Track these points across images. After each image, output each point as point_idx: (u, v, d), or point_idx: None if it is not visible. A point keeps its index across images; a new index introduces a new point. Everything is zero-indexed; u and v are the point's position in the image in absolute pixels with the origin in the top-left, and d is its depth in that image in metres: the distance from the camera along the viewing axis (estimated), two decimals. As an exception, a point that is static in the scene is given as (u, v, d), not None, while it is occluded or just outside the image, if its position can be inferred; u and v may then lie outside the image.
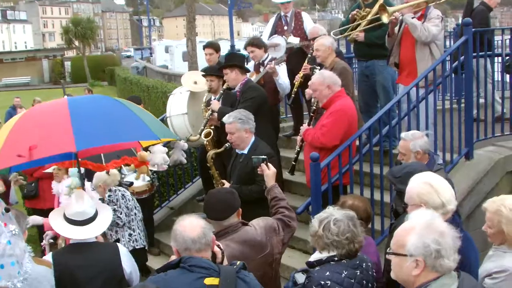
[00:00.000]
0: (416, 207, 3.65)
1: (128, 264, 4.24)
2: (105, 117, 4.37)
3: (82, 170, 5.48)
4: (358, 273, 3.78)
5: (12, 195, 8.90)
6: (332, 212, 3.90)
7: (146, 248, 7.21)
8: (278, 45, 8.58)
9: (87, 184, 6.33)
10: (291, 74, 8.03)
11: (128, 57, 68.00)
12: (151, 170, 7.73)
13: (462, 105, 7.04)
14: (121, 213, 6.69)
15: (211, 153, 6.58)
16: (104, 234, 5.01)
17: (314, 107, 6.54)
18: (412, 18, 6.74)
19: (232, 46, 20.59)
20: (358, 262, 3.84)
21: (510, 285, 3.63)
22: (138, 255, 6.40)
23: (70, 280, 4.00)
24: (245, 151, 5.83)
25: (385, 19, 6.85)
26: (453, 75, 8.18)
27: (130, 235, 6.86)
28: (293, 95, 8.17)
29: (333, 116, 6.11)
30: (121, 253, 4.21)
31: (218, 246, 3.47)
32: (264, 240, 4.19)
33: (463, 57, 6.82)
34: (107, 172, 6.56)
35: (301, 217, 6.00)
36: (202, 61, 9.38)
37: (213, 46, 8.73)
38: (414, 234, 2.87)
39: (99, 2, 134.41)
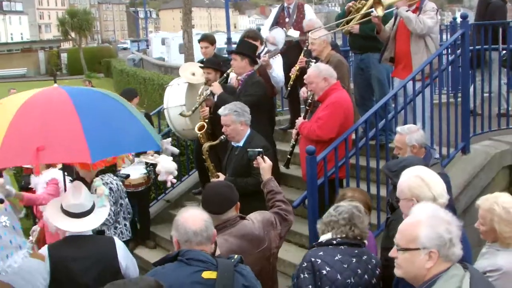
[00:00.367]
0: (407, 201, 3.65)
1: (125, 258, 4.23)
2: (114, 124, 4.25)
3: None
4: (353, 261, 3.80)
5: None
6: (340, 203, 3.98)
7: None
8: (277, 37, 8.55)
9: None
10: (289, 68, 8.00)
11: (125, 49, 67.76)
12: (146, 163, 7.72)
13: (459, 99, 7.04)
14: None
15: (206, 145, 6.56)
16: None
17: (310, 101, 6.52)
18: (407, 11, 6.71)
19: (229, 39, 20.56)
20: (357, 251, 3.85)
21: (503, 284, 3.62)
22: None
23: (65, 272, 4.00)
24: (241, 144, 5.82)
25: (380, 12, 6.82)
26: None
27: (115, 228, 6.82)
28: (289, 88, 8.15)
29: (329, 109, 6.10)
30: (117, 247, 4.20)
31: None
32: (262, 234, 4.18)
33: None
34: None
35: (297, 210, 5.99)
36: (198, 54, 9.35)
37: (208, 39, 8.69)
38: (426, 226, 2.84)
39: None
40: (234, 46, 14.68)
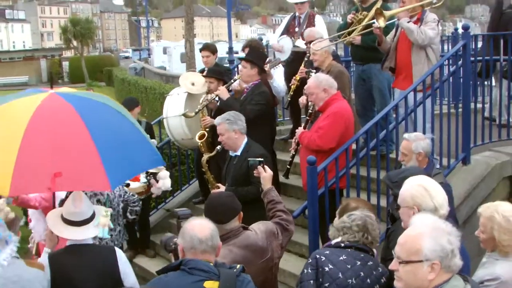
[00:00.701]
0: (408, 209, 3.66)
1: (125, 267, 4.22)
2: (126, 143, 4.17)
3: None
4: (358, 264, 3.81)
5: None
6: (353, 212, 4.03)
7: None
8: (283, 47, 8.57)
9: None
10: (291, 78, 8.01)
11: (126, 57, 67.99)
12: (147, 172, 7.72)
13: (460, 109, 7.05)
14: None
15: (204, 158, 6.54)
16: None
17: (310, 111, 6.52)
18: (408, 22, 6.73)
19: (231, 48, 20.65)
20: (363, 256, 3.86)
21: None
22: None
23: (65, 281, 3.99)
24: (238, 153, 5.82)
25: (381, 23, 6.83)
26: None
27: (111, 235, 6.80)
28: (289, 99, 8.16)
29: (329, 119, 6.10)
30: (117, 256, 4.20)
31: None
32: (265, 244, 4.19)
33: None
34: None
35: (297, 220, 5.98)
36: (200, 63, 9.39)
37: (209, 48, 8.71)
38: (428, 238, 2.83)
39: (98, 2, 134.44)
40: (236, 55, 14.74)
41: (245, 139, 5.83)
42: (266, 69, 7.53)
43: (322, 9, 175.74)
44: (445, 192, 3.78)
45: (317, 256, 3.85)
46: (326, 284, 3.73)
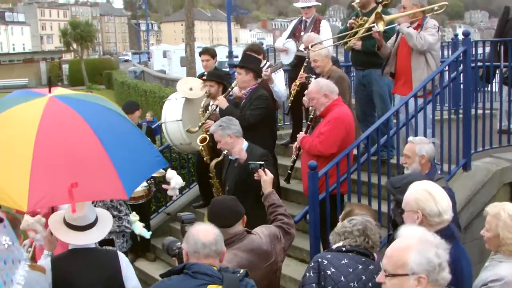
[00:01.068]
0: (412, 213, 3.67)
1: (127, 271, 4.22)
2: (133, 147, 4.12)
3: None
4: (359, 268, 3.83)
5: None
6: (354, 217, 4.06)
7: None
8: (287, 50, 8.58)
9: None
10: (293, 83, 8.02)
11: (126, 61, 67.99)
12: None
13: (460, 115, 7.07)
14: (128, 222, 6.70)
15: (213, 163, 6.50)
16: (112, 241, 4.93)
17: (311, 116, 6.54)
18: (408, 27, 6.74)
19: (230, 52, 20.66)
20: (364, 260, 3.87)
21: None
22: None
23: (67, 285, 3.98)
24: (239, 156, 5.83)
25: (381, 27, 6.85)
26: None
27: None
28: (289, 104, 8.18)
29: (330, 124, 6.11)
30: (120, 260, 4.19)
31: None
32: (270, 248, 4.21)
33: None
34: None
35: (298, 225, 5.96)
36: (200, 67, 9.40)
37: (209, 52, 8.73)
38: (414, 251, 2.80)
39: (98, 5, 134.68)
40: (236, 59, 14.72)
41: (245, 143, 5.85)
42: (267, 73, 7.55)
43: (322, 14, 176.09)
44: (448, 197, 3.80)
45: (319, 259, 3.86)
46: None
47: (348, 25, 8.00)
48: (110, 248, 4.69)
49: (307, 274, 3.86)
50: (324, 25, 8.81)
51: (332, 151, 6.07)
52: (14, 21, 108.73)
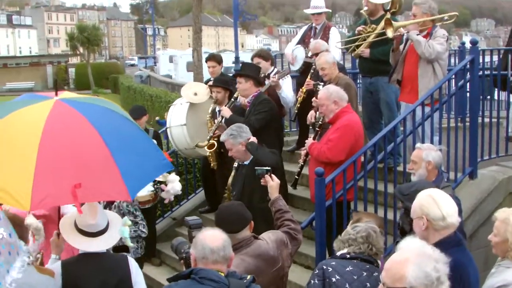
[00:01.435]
0: (418, 220, 3.67)
1: (137, 277, 4.24)
2: (139, 150, 4.13)
3: None
4: (364, 275, 3.84)
5: None
6: (357, 224, 4.08)
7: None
8: (296, 57, 8.60)
9: None
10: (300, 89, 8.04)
11: (132, 65, 68.15)
12: (154, 180, 7.75)
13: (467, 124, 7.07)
14: (144, 226, 6.73)
15: (229, 182, 6.32)
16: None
17: (320, 122, 6.55)
18: (417, 35, 6.75)
19: (237, 58, 20.68)
20: (368, 267, 3.88)
21: None
22: None
23: None
24: (247, 162, 5.87)
25: (390, 33, 6.86)
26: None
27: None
28: (295, 111, 8.19)
29: (339, 131, 6.13)
30: (130, 265, 4.21)
31: None
32: (276, 254, 4.23)
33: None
34: None
35: (304, 232, 5.97)
36: (207, 72, 9.45)
37: (215, 58, 8.76)
38: (412, 265, 2.76)
39: (105, 9, 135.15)
40: (242, 66, 14.62)
41: None
42: (275, 79, 7.57)
43: (328, 21, 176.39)
44: (454, 204, 3.81)
45: (324, 266, 3.88)
46: (333, 295, 3.76)
47: (356, 32, 8.02)
48: (121, 253, 4.69)
49: (312, 281, 3.87)
50: (334, 32, 8.82)
51: (341, 158, 6.08)
52: (21, 24, 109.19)
